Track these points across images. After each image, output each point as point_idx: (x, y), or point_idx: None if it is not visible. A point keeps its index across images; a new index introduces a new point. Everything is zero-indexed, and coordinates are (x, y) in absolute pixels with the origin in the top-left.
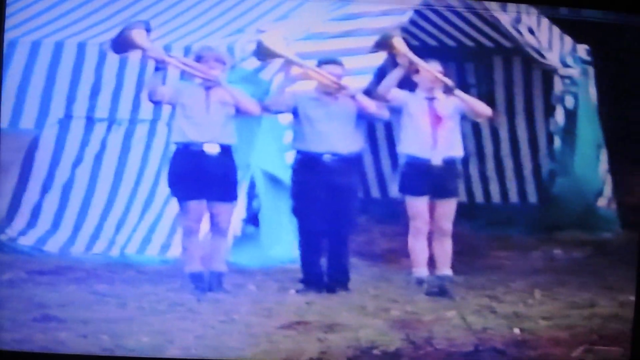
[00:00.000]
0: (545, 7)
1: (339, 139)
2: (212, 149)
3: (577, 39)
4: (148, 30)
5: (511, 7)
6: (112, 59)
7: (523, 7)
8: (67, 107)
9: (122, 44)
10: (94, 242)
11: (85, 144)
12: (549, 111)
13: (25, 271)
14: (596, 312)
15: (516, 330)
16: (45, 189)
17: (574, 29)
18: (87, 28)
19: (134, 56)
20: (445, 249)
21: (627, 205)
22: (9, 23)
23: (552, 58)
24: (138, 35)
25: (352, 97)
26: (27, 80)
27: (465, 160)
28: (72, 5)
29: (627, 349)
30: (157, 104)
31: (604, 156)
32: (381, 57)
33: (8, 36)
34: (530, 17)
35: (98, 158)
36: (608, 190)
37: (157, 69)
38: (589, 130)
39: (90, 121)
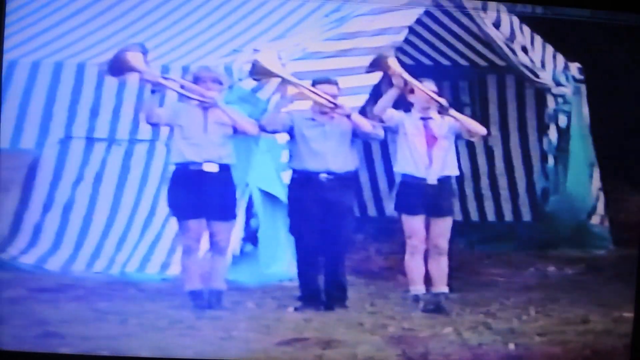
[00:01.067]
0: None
1: (334, 158)
2: (210, 169)
3: (570, 57)
4: (144, 52)
5: (505, 25)
6: (111, 80)
7: (517, 24)
8: (67, 128)
9: (118, 67)
10: (94, 260)
11: (85, 164)
12: (542, 130)
13: (26, 289)
14: (590, 328)
15: (511, 346)
16: (46, 208)
17: (566, 48)
18: (86, 49)
19: (131, 78)
20: (441, 267)
21: (619, 222)
22: (8, 44)
23: (545, 77)
24: (134, 58)
25: (348, 116)
26: (28, 101)
27: (460, 179)
28: (71, 26)
29: None
30: (154, 125)
31: (596, 174)
32: (376, 76)
33: (8, 57)
34: (524, 36)
35: (98, 178)
36: (601, 207)
37: (153, 91)
38: (581, 148)
39: (90, 141)
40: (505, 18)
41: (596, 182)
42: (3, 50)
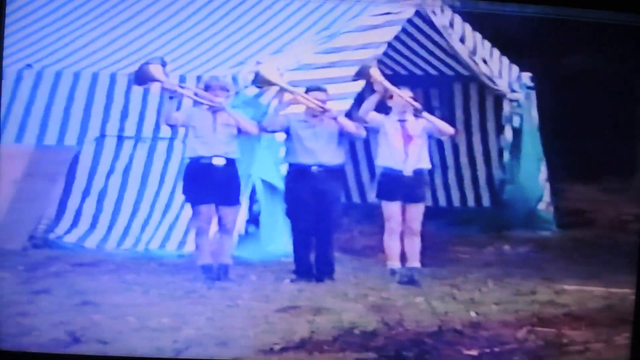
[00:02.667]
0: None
1: (324, 153)
2: (218, 162)
3: (522, 67)
4: (163, 65)
5: (468, 40)
6: (137, 88)
7: (479, 38)
8: (101, 128)
9: (142, 78)
10: (123, 239)
11: (116, 158)
12: (499, 129)
13: (69, 264)
14: (536, 299)
15: (472, 314)
16: (85, 195)
17: (519, 59)
18: (116, 61)
19: (153, 87)
20: (414, 246)
21: (562, 208)
22: (52, 58)
23: (502, 84)
24: (155, 70)
25: (335, 119)
26: (70, 106)
27: (431, 171)
28: (104, 42)
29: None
30: (172, 126)
31: (543, 167)
32: (360, 84)
33: (54, 68)
34: (484, 50)
35: (127, 170)
36: (547, 196)
37: (171, 97)
38: (531, 145)
39: (120, 139)
40: (469, 34)
41: (543, 174)
42: (1, 59)
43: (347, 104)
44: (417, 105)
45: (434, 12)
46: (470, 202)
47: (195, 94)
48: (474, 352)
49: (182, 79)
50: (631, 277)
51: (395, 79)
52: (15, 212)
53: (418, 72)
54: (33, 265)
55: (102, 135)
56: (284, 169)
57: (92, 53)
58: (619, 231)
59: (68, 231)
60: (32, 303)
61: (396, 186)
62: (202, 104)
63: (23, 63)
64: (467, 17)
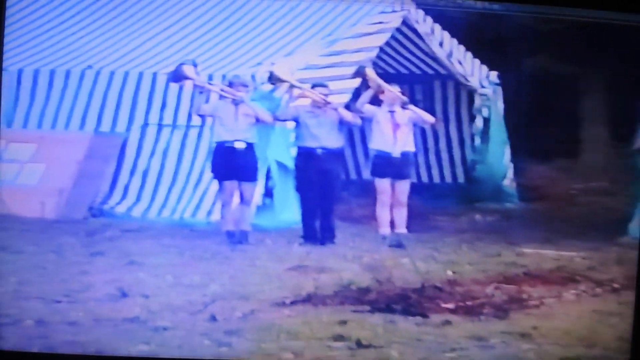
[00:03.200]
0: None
1: (327, 138)
2: (240, 146)
3: (490, 67)
4: (195, 65)
5: (446, 45)
6: (173, 85)
7: (455, 43)
8: (145, 117)
9: (177, 76)
10: (162, 209)
11: (157, 142)
12: (472, 119)
13: (119, 230)
14: (502, 260)
15: (449, 273)
16: (132, 173)
17: (488, 60)
18: (157, 63)
19: (187, 84)
20: (401, 215)
21: (523, 185)
22: (109, 59)
23: (474, 81)
24: (188, 70)
25: (335, 109)
26: (120, 100)
27: (415, 153)
28: (148, 46)
29: (520, 286)
30: (202, 116)
31: (507, 150)
32: (357, 81)
33: (109, 68)
34: (459, 52)
35: (165, 152)
36: (511, 174)
37: (200, 92)
38: (497, 131)
39: (160, 127)
40: (447, 40)
41: (507, 155)
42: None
43: (346, 98)
44: (404, 98)
45: (417, 22)
46: (448, 179)
47: (221, 90)
48: (451, 306)
49: (210, 77)
50: (579, 242)
51: (386, 77)
52: (78, 188)
53: (404, 71)
54: (91, 232)
55: (146, 124)
56: (293, 151)
57: (138, 56)
58: (568, 203)
59: (119, 203)
60: (90, 263)
61: (386, 166)
62: (226, 97)
63: (83, 64)
64: (443, 22)
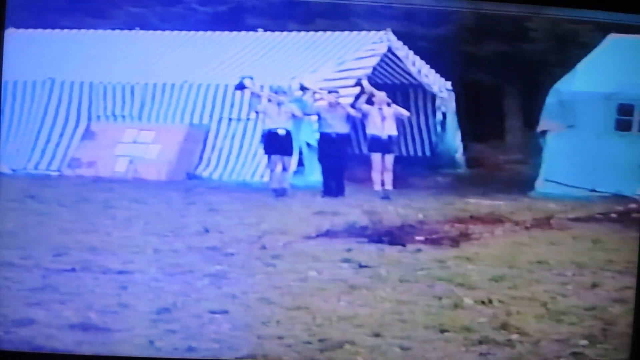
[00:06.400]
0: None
1: (338, 126)
2: (281, 132)
3: (446, 78)
4: (251, 79)
5: (417, 63)
6: (237, 92)
7: (423, 63)
8: (220, 113)
9: (240, 86)
10: (232, 173)
11: (227, 130)
12: (434, 113)
13: (205, 187)
14: (455, 207)
15: (420, 216)
16: (212, 150)
17: (444, 74)
18: (230, 77)
19: (246, 92)
20: (388, 177)
21: (468, 157)
22: (197, 76)
23: (435, 88)
24: (247, 82)
25: (344, 107)
26: (204, 102)
27: (397, 137)
28: (225, 67)
29: (467, 225)
30: (257, 113)
31: (458, 134)
32: (357, 89)
33: (198, 82)
34: (425, 69)
35: (233, 136)
36: (461, 149)
37: (256, 97)
38: (451, 122)
39: (230, 120)
40: (418, 61)
41: (458, 137)
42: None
43: (350, 100)
44: (389, 100)
45: (397, 49)
46: (419, 153)
47: (269, 95)
48: (421, 238)
49: (262, 87)
50: (504, 194)
51: (377, 86)
52: (180, 160)
53: (389, 82)
54: (187, 189)
55: (221, 118)
56: (317, 135)
57: (216, 74)
58: (497, 169)
59: (204, 169)
60: (186, 209)
61: (378, 144)
62: (272, 101)
63: (181, 80)
64: (415, 49)
